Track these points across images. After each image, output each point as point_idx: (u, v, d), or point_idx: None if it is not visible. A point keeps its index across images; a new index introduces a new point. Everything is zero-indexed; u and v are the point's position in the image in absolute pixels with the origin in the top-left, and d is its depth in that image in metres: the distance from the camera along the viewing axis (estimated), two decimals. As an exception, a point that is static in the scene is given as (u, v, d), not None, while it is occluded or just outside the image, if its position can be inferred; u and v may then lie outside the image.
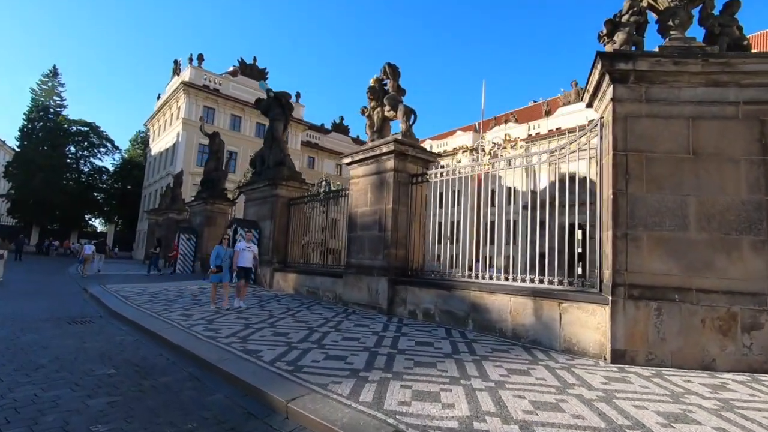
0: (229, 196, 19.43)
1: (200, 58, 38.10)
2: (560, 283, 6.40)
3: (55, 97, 48.70)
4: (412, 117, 9.41)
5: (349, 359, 4.81)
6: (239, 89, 40.06)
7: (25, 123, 45.08)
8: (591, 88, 6.25)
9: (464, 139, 48.62)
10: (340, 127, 56.11)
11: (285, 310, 8.57)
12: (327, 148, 50.80)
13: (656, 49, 5.83)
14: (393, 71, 9.78)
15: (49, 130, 45.63)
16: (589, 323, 5.61)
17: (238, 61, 41.48)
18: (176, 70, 41.60)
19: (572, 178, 6.61)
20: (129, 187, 51.19)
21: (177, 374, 4.49)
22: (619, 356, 5.23)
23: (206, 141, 37.51)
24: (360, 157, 9.69)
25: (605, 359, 5.35)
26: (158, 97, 46.12)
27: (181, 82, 36.70)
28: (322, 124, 54.51)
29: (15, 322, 6.95)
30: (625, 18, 6.22)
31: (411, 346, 5.62)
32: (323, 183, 12.17)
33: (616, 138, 5.62)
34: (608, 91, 5.82)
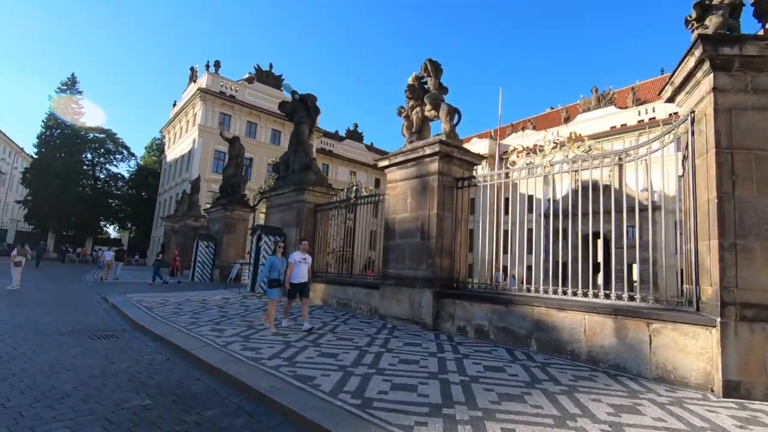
0: (249, 202, 18.92)
1: (217, 64, 38.08)
2: (643, 299, 5.64)
3: (72, 105, 49.17)
4: (456, 117, 8.76)
5: (420, 390, 4.10)
6: (255, 96, 39.91)
7: (43, 130, 45.46)
8: (679, 80, 5.52)
9: (481, 146, 47.86)
10: (354, 135, 55.72)
11: (321, 324, 7.88)
12: (341, 156, 50.38)
13: (760, 33, 5.11)
14: (434, 68, 9.15)
15: (66, 137, 45.95)
16: (689, 348, 4.83)
17: (254, 67, 41.42)
18: (193, 77, 41.67)
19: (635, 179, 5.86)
20: (144, 194, 51.30)
21: (223, 406, 3.82)
22: (732, 389, 4.44)
23: (222, 147, 37.52)
24: (399, 159, 9.04)
25: (713, 391, 4.56)
26: (174, 105, 46.26)
27: (198, 89, 36.64)
28: (336, 131, 54.20)
29: (34, 335, 6.37)
30: (716, 0, 5.51)
31: (481, 372, 4.88)
32: (353, 188, 11.54)
33: (718, 133, 4.88)
34: (705, 81, 5.09)
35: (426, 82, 9.47)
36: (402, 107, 9.96)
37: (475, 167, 8.93)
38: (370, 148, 54.87)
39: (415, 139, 9.25)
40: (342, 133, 55.23)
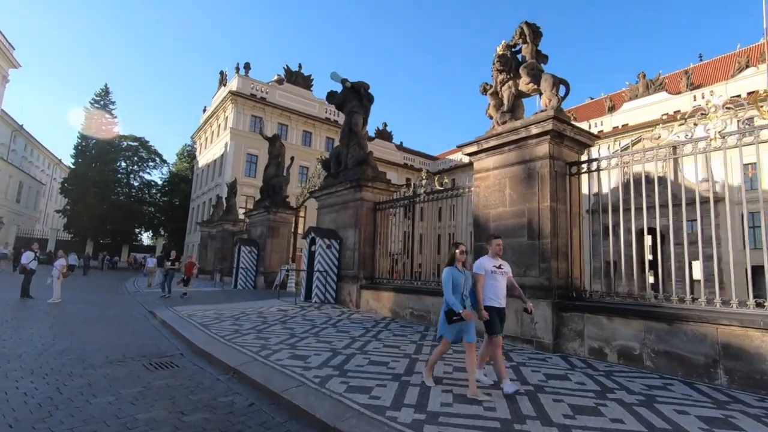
0: (292, 204, 17.79)
1: (247, 67, 37.48)
2: None
3: (106, 115, 49.78)
4: (563, 89, 7.21)
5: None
6: (285, 97, 39.14)
7: (79, 140, 46.03)
8: None
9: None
10: (384, 134, 54.35)
11: (408, 342, 6.46)
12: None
13: None
14: (532, 32, 7.62)
15: (100, 146, 46.46)
16: None
17: (283, 68, 40.70)
18: (222, 81, 41.30)
19: None
20: (176, 200, 51.45)
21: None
22: None
23: (255, 150, 36.94)
24: (492, 143, 7.54)
25: None
26: (204, 110, 46.11)
27: (229, 92, 36.10)
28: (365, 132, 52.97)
29: (80, 367, 5.19)
30: None
31: (707, 429, 3.34)
32: (422, 182, 10.11)
33: None
34: None
35: (519, 50, 7.95)
36: (487, 84, 8.49)
37: (584, 149, 7.34)
38: (400, 147, 53.46)
39: (509, 119, 7.74)
40: (372, 133, 54.04)
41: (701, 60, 40.37)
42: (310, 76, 41.91)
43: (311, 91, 41.76)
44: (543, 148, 6.83)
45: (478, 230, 7.76)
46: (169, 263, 13.88)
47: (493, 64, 8.03)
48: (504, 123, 7.75)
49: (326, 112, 42.19)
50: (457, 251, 4.36)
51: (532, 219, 6.83)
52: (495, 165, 7.62)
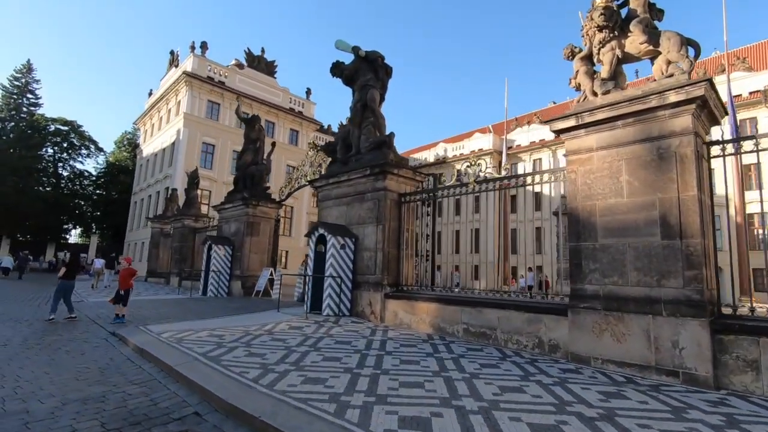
0: (274, 196, 15.31)
1: (204, 46, 33.76)
2: None
3: (28, 95, 43.38)
4: (692, 50, 5.74)
5: None
6: (247, 83, 35.81)
7: (-6, 121, 39.63)
8: None
9: (483, 141, 45.60)
10: (261, 63, 51.06)
11: (492, 379, 4.65)
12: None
13: None
14: (648, -21, 6.09)
15: (21, 130, 40.25)
16: None
17: (244, 51, 37.33)
18: (173, 62, 37.10)
19: None
20: (114, 194, 45.92)
21: None
22: None
23: (212, 139, 33.34)
24: (600, 116, 5.92)
25: None
26: (150, 93, 41.36)
27: (183, 72, 32.25)
28: (329, 126, 50.48)
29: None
30: None
31: None
32: (465, 168, 8.35)
33: None
34: None
35: (622, 3, 6.41)
36: (574, 46, 6.88)
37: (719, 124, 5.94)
38: (323, 151, 51.31)
39: (612, 88, 6.17)
40: (334, 129, 51.55)
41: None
42: (273, 62, 38.85)
43: (275, 78, 38.68)
44: (682, 121, 5.30)
45: (578, 226, 6.10)
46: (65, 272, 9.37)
47: (589, 20, 6.42)
48: (606, 93, 6.17)
49: (290, 102, 39.30)
50: None
51: (668, 213, 5.28)
52: (601, 144, 6.01)
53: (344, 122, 43.77)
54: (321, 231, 9.68)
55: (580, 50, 6.77)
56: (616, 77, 6.33)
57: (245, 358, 5.40)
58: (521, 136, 42.97)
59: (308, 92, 41.20)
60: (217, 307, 11.09)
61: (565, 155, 6.48)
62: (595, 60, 6.53)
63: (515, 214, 24.83)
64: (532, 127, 43.02)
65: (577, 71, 6.72)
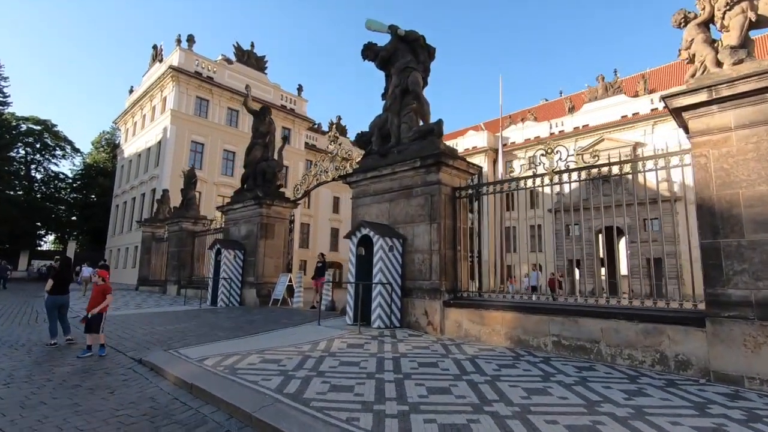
0: (288, 195, 14.01)
1: (190, 39, 31.96)
2: None
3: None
4: None
5: None
6: (236, 78, 34.11)
7: (-40, 120, 36.73)
8: None
9: (477, 139, 45.14)
10: (338, 129, 50.79)
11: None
12: (325, 151, 45.28)
13: None
14: (792, -73, 5.19)
15: (-10, 129, 37.47)
16: None
17: (233, 45, 35.60)
18: (157, 56, 35.13)
19: None
20: (93, 197, 43.38)
21: None
22: None
23: (201, 138, 31.58)
24: (743, 88, 4.98)
25: None
26: (131, 91, 39.15)
27: (169, 67, 30.41)
28: (320, 124, 49.04)
29: None
30: None
31: None
32: (539, 154, 7.35)
33: None
34: None
35: (751, -40, 5.50)
36: (688, 11, 5.94)
37: None
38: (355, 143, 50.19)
39: (742, 55, 5.25)
40: (325, 127, 50.14)
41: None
42: (263, 57, 37.22)
43: (265, 74, 37.08)
44: None
45: (712, 220, 5.14)
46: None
47: (711, -22, 5.50)
48: (738, 62, 5.25)
49: (282, 99, 37.77)
50: None
51: None
52: (742, 122, 5.07)
53: (334, 120, 42.21)
54: (365, 231, 8.51)
55: (695, 16, 5.85)
56: (746, 43, 5.42)
57: (332, 394, 4.22)
58: (515, 134, 42.65)
59: (300, 89, 39.76)
60: (240, 320, 9.76)
61: (689, 137, 5.53)
62: (717, 26, 5.62)
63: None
64: (526, 125, 42.73)
65: (691, 40, 5.80)
